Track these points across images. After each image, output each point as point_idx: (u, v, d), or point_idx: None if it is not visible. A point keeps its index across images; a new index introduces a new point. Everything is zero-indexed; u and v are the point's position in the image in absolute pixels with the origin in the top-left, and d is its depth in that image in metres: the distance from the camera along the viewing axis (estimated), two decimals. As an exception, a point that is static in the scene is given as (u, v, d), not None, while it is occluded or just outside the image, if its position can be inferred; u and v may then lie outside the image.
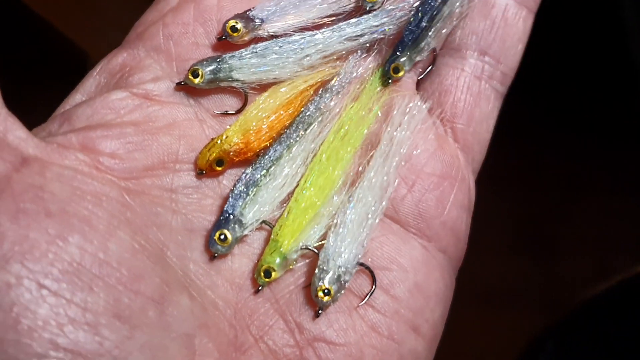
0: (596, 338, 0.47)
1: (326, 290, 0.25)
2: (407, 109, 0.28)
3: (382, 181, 0.27)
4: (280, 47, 0.28)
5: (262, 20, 0.28)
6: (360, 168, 0.27)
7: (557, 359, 0.48)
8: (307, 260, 0.27)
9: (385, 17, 0.28)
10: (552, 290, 0.69)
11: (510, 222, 0.72)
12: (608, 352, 0.46)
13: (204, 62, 0.27)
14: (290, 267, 0.26)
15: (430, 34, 0.28)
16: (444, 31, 0.28)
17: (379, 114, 0.28)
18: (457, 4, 0.28)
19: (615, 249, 0.69)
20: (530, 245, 0.73)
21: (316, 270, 0.26)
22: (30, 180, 0.22)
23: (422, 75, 0.29)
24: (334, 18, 0.28)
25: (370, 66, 0.29)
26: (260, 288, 0.26)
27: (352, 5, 0.29)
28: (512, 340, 0.53)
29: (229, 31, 0.27)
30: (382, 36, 0.28)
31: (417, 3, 0.28)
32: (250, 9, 0.28)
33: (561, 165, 0.72)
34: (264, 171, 0.27)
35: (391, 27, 0.28)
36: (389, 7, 0.28)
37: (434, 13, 0.28)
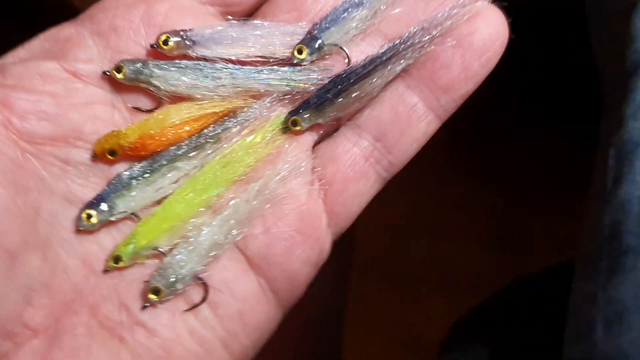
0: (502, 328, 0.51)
1: (156, 290, 0.29)
2: (293, 161, 0.30)
3: (244, 215, 0.30)
4: (201, 70, 0.30)
5: (194, 43, 0.30)
6: (232, 197, 0.30)
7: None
8: (158, 261, 0.30)
9: (304, 76, 0.30)
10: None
11: (486, 215, 0.74)
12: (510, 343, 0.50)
13: (131, 62, 0.30)
14: (140, 261, 0.30)
15: (333, 105, 0.30)
16: (351, 107, 0.30)
17: (267, 156, 0.31)
18: (368, 89, 0.30)
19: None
20: (504, 238, 0.75)
21: (155, 271, 0.29)
22: None
23: (318, 138, 0.31)
24: (261, 60, 0.31)
25: (276, 111, 0.31)
26: (107, 269, 0.30)
27: (283, 54, 0.31)
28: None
29: (160, 43, 0.30)
30: (296, 90, 0.31)
31: (335, 75, 0.30)
32: (188, 30, 0.30)
33: (540, 162, 0.73)
34: (147, 172, 0.30)
35: (306, 86, 0.30)
36: (313, 69, 0.31)
37: (342, 89, 0.30)
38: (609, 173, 0.39)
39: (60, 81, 0.30)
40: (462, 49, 0.29)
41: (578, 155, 0.68)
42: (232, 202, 0.30)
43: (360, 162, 0.31)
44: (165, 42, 0.30)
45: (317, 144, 0.32)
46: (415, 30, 0.29)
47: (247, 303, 0.30)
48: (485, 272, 0.70)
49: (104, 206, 0.29)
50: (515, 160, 0.73)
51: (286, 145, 0.31)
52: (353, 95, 0.30)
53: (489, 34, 0.29)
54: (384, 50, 0.29)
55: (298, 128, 0.30)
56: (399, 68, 0.29)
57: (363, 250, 0.72)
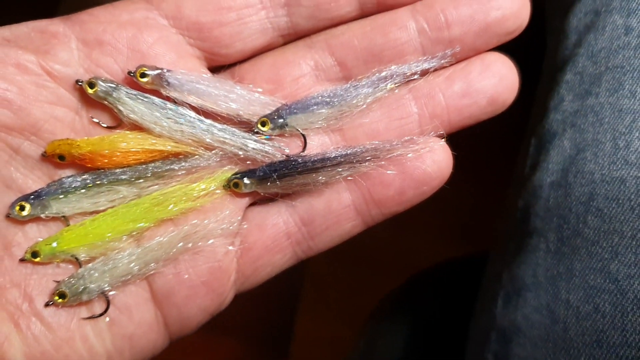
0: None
1: (63, 294, 0.31)
2: (223, 218, 0.33)
3: (163, 254, 0.32)
4: (166, 111, 0.32)
5: (169, 84, 0.32)
6: (159, 233, 0.33)
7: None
8: (72, 267, 0.32)
9: (259, 148, 0.33)
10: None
11: (453, 208, 0.74)
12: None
13: (104, 81, 0.31)
14: (56, 261, 0.32)
15: (275, 184, 0.32)
16: (291, 190, 0.33)
17: (201, 206, 0.33)
18: (311, 181, 0.32)
19: None
20: (468, 233, 0.76)
21: (67, 278, 0.32)
22: None
23: (253, 201, 0.34)
24: (223, 116, 0.33)
25: (224, 168, 0.33)
26: (24, 259, 0.32)
27: (247, 118, 0.33)
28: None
29: (137, 75, 0.31)
30: (248, 158, 0.33)
31: (286, 159, 0.33)
32: (167, 70, 0.32)
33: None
34: (89, 185, 0.32)
35: (257, 156, 0.33)
36: (269, 144, 0.33)
37: (288, 174, 0.32)
38: (528, 160, 0.43)
39: (33, 76, 0.31)
40: (404, 176, 0.32)
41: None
42: (156, 240, 0.32)
43: (283, 238, 0.33)
44: (142, 75, 0.32)
45: (250, 205, 0.34)
46: (369, 147, 0.32)
47: (140, 329, 0.32)
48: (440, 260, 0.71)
49: (38, 203, 0.31)
50: (490, 156, 0.73)
51: (228, 202, 0.33)
52: (295, 182, 0.32)
53: (432, 170, 0.32)
54: (336, 154, 0.32)
55: (238, 190, 0.33)
56: (344, 174, 0.32)
57: None
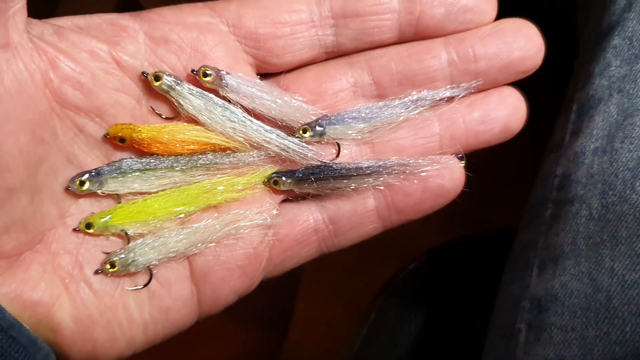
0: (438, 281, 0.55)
1: (112, 264, 0.34)
2: (262, 210, 0.36)
3: (207, 237, 0.35)
4: (221, 108, 0.36)
5: (227, 85, 0.35)
6: (204, 218, 0.36)
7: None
8: (121, 241, 0.36)
9: (301, 151, 0.37)
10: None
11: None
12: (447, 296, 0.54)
13: (168, 76, 0.35)
14: (106, 234, 0.35)
15: (310, 185, 0.36)
16: (323, 192, 0.37)
17: (243, 197, 0.37)
18: (342, 186, 0.36)
19: None
20: (464, 224, 0.75)
21: (119, 249, 0.35)
22: None
23: (288, 198, 0.38)
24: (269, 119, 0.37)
25: (266, 166, 0.37)
26: (78, 229, 0.34)
27: (289, 123, 0.37)
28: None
29: (200, 74, 0.35)
30: (289, 159, 0.37)
31: (323, 164, 0.37)
32: (227, 73, 0.35)
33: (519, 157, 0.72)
34: (146, 169, 0.35)
35: (298, 159, 0.37)
36: (309, 148, 0.37)
37: (323, 178, 0.36)
38: (568, 127, 0.42)
39: (104, 63, 0.34)
40: (423, 188, 0.37)
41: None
42: (203, 223, 0.35)
43: (311, 234, 0.37)
44: (205, 75, 0.35)
45: (284, 201, 0.38)
46: (398, 162, 0.36)
47: (176, 303, 0.36)
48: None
49: (97, 180, 0.34)
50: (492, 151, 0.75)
51: (267, 196, 0.37)
52: (329, 185, 0.36)
53: (447, 186, 0.37)
54: (367, 165, 0.36)
55: (277, 187, 0.37)
56: (373, 183, 0.36)
57: None
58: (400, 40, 0.38)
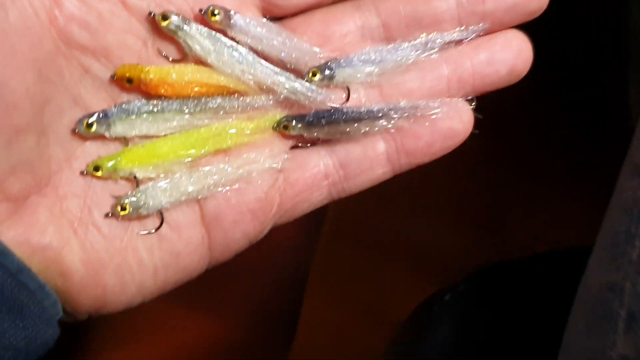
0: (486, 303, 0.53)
1: (123, 207, 0.34)
2: (273, 154, 0.36)
3: (219, 180, 0.35)
4: (230, 49, 0.35)
5: (235, 25, 0.35)
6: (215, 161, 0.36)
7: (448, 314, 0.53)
8: (129, 184, 0.35)
9: (311, 95, 0.36)
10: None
11: (464, 195, 0.74)
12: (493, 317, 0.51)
13: (175, 15, 0.34)
14: (114, 178, 0.34)
15: (321, 129, 0.36)
16: (333, 136, 0.37)
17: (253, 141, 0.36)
18: (353, 130, 0.36)
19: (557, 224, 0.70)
20: (480, 221, 0.74)
21: (129, 192, 0.34)
22: None
23: (298, 143, 0.37)
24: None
25: (276, 110, 0.37)
26: (85, 172, 0.34)
27: (297, 66, 0.36)
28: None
29: (209, 13, 0.34)
30: (299, 101, 0.36)
31: (333, 107, 0.36)
32: (235, 13, 0.35)
33: (528, 148, 0.73)
34: (155, 111, 0.35)
35: (308, 103, 0.36)
36: (320, 92, 0.36)
37: (334, 121, 0.36)
38: None
39: (110, 4, 0.33)
40: (433, 131, 0.37)
41: (567, 146, 0.71)
42: (213, 167, 0.35)
43: (322, 178, 0.37)
44: (213, 14, 0.34)
45: (294, 147, 0.38)
46: (409, 104, 0.36)
47: (187, 248, 0.35)
48: (456, 253, 0.70)
49: (105, 122, 0.33)
50: (502, 144, 0.70)
51: (276, 141, 0.36)
52: (339, 129, 0.36)
53: (456, 127, 0.37)
54: (377, 108, 0.36)
55: (286, 132, 0.36)
56: (382, 126, 0.36)
57: (334, 215, 0.72)
58: None
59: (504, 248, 0.71)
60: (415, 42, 0.37)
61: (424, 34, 0.37)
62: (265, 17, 0.37)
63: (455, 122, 0.37)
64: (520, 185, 0.73)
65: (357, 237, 0.74)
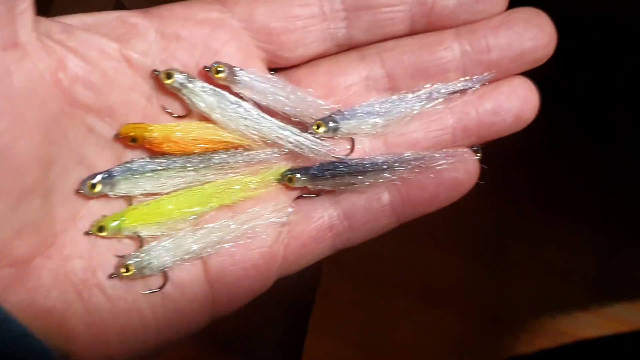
0: None
1: (127, 268, 0.34)
2: (277, 209, 0.36)
3: (222, 237, 0.35)
4: (234, 106, 0.35)
5: (239, 82, 0.35)
6: (219, 217, 0.35)
7: None
8: (134, 244, 0.35)
9: (315, 148, 0.36)
10: (495, 303, 0.70)
11: (471, 226, 0.73)
12: None
13: (180, 74, 0.34)
14: (118, 237, 0.34)
15: (326, 181, 0.36)
16: (338, 188, 0.36)
17: (257, 196, 0.36)
18: (357, 182, 0.36)
19: (566, 278, 0.69)
20: (487, 254, 0.73)
21: (133, 252, 0.34)
22: (3, 63, 0.29)
23: (302, 194, 0.37)
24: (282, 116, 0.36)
25: (281, 163, 0.37)
26: (90, 232, 0.33)
27: (302, 119, 0.36)
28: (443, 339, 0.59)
29: (213, 70, 0.34)
30: (304, 155, 0.36)
31: (338, 159, 0.36)
32: (239, 69, 0.35)
33: (537, 183, 0.73)
34: (158, 169, 0.34)
35: (312, 156, 0.36)
36: (324, 145, 0.36)
37: (338, 174, 0.36)
38: None
39: (114, 62, 0.33)
40: (438, 182, 0.37)
41: (580, 182, 0.70)
42: (217, 224, 0.35)
43: (326, 230, 0.37)
44: (217, 72, 0.34)
45: (298, 198, 0.37)
46: (414, 156, 0.36)
47: (191, 305, 0.35)
48: (462, 287, 0.70)
49: (109, 182, 0.33)
50: (513, 175, 0.71)
51: (280, 194, 0.36)
52: (343, 181, 0.36)
53: (461, 178, 0.37)
54: (384, 160, 0.36)
55: (291, 184, 0.36)
56: (387, 178, 0.36)
57: None
58: (412, 32, 0.37)
59: (509, 281, 0.70)
60: (420, 92, 0.37)
61: (429, 85, 0.37)
62: (270, 70, 0.37)
63: (461, 172, 0.37)
64: (526, 219, 0.73)
65: (359, 269, 0.73)
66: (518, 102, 0.37)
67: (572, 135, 0.72)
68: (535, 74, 0.38)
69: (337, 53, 0.38)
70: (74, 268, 0.33)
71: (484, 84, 0.37)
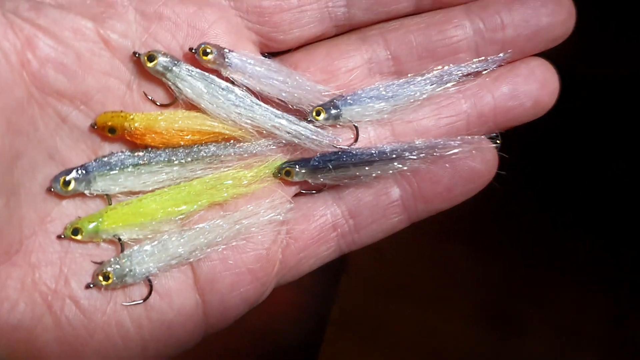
0: None
1: (106, 276, 0.30)
2: (274, 206, 0.32)
3: (213, 239, 0.31)
4: (225, 92, 0.31)
5: (230, 65, 0.31)
6: (208, 217, 0.32)
7: None
8: (113, 247, 0.31)
9: (316, 138, 0.32)
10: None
11: (478, 290, 0.72)
12: None
13: (164, 56, 0.30)
14: (96, 241, 0.30)
15: (328, 174, 0.32)
16: (342, 181, 0.33)
17: (252, 192, 0.32)
18: (364, 174, 0.32)
19: (574, 341, 0.69)
20: (494, 317, 0.72)
21: (113, 258, 0.30)
22: None
23: (301, 191, 0.33)
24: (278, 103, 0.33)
25: (277, 155, 0.33)
26: (62, 236, 0.30)
27: (300, 106, 0.33)
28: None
29: (200, 52, 0.31)
30: (302, 146, 0.33)
31: (341, 149, 0.33)
32: (230, 50, 0.31)
33: (546, 247, 0.72)
34: (140, 163, 0.31)
35: (312, 146, 0.32)
36: (325, 134, 0.33)
37: (342, 165, 0.32)
38: None
39: (90, 43, 0.29)
40: (452, 173, 0.33)
41: (590, 246, 0.70)
42: (207, 224, 0.31)
43: (329, 230, 0.33)
44: (205, 53, 0.31)
45: (297, 194, 0.34)
46: (425, 144, 0.33)
47: (180, 317, 0.31)
48: (468, 349, 0.69)
49: (84, 178, 0.29)
50: (520, 239, 0.72)
51: (279, 190, 0.32)
52: (348, 173, 0.32)
53: (479, 169, 0.33)
54: (390, 149, 0.32)
55: (289, 179, 0.32)
56: (396, 169, 0.32)
57: (344, 305, 0.69)
58: (417, 11, 0.34)
59: (518, 345, 0.69)
60: (430, 75, 0.33)
61: (439, 67, 0.33)
62: (263, 54, 0.33)
63: (478, 162, 0.33)
64: (536, 283, 0.72)
65: (365, 330, 0.70)
66: (537, 85, 0.34)
67: (584, 198, 0.71)
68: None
69: (336, 35, 0.35)
70: (43, 277, 0.29)
71: (499, 66, 0.34)
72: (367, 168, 0.32)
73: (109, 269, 0.29)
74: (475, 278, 0.70)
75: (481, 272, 0.70)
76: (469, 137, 0.33)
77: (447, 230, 0.67)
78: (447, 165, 0.33)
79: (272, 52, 0.34)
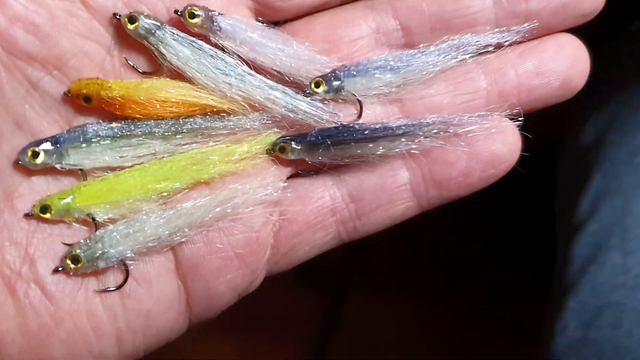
0: None
1: (76, 259, 0.27)
2: (266, 185, 0.29)
3: (197, 220, 0.28)
4: (214, 59, 0.28)
5: (220, 29, 0.28)
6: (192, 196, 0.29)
7: None
8: (86, 228, 0.28)
9: (313, 112, 0.29)
10: None
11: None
12: None
13: (148, 17, 0.28)
14: (68, 220, 0.27)
15: (327, 151, 0.29)
16: (342, 160, 0.29)
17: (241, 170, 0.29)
18: (367, 152, 0.29)
19: None
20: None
21: (83, 239, 0.27)
22: None
23: (297, 172, 0.30)
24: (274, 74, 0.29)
25: (269, 131, 0.30)
26: (30, 214, 0.27)
27: (298, 78, 0.30)
28: None
29: (186, 14, 0.28)
30: (298, 121, 0.29)
31: (342, 124, 0.29)
32: (219, 13, 0.28)
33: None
34: (117, 136, 0.28)
35: (310, 121, 0.29)
36: (324, 108, 0.29)
37: (343, 141, 0.29)
38: None
39: (66, 1, 0.27)
40: (471, 156, 0.29)
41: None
42: (190, 203, 0.28)
43: (328, 214, 0.30)
44: (192, 16, 0.28)
45: (293, 176, 0.31)
46: (434, 120, 0.29)
47: (159, 305, 0.28)
48: None
49: (55, 151, 0.27)
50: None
51: (272, 167, 0.29)
52: (349, 152, 0.29)
53: (502, 153, 0.29)
54: (397, 125, 0.29)
55: (283, 156, 0.29)
56: (404, 148, 0.29)
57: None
58: None
59: None
60: (444, 45, 0.30)
61: (454, 37, 0.30)
62: (259, 20, 0.30)
63: (499, 143, 0.29)
64: None
65: None
66: (566, 62, 0.30)
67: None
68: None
69: (341, 5, 0.31)
70: (7, 258, 0.26)
71: (522, 40, 0.30)
72: (370, 145, 0.29)
73: (78, 251, 0.27)
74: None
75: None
76: (488, 114, 0.29)
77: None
78: (463, 145, 0.29)
79: (270, 22, 0.31)
